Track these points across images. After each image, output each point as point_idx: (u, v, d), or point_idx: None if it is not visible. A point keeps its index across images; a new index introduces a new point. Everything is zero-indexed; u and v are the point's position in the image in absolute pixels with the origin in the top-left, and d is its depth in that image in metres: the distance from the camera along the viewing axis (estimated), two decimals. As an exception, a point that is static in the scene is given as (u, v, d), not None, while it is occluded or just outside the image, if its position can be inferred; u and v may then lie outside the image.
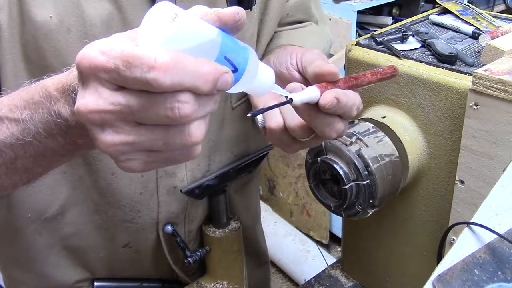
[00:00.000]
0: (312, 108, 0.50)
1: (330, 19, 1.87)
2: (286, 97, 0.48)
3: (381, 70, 0.58)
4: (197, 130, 0.39)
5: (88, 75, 0.38)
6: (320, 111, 0.50)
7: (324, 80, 0.53)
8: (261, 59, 0.79)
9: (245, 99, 0.79)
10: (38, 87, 0.45)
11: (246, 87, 0.44)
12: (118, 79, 0.37)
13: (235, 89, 0.43)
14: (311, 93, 0.49)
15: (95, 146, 0.41)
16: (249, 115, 0.46)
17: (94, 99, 0.37)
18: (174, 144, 0.39)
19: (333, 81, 0.53)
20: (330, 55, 1.87)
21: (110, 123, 0.38)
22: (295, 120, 0.55)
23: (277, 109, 0.58)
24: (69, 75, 0.44)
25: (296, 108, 0.52)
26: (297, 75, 0.61)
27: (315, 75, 0.53)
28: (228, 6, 0.68)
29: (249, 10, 0.71)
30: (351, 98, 0.51)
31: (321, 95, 0.49)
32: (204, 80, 0.37)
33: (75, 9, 0.58)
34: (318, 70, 0.53)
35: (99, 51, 0.37)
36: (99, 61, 0.37)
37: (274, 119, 0.58)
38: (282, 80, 0.62)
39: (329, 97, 0.49)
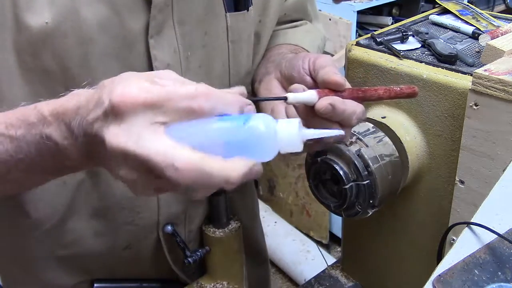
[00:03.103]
0: (310, 111, 0.53)
1: (330, 19, 1.87)
2: (284, 96, 0.51)
3: (397, 88, 0.58)
4: (198, 194, 0.44)
5: (128, 112, 0.41)
6: (317, 115, 0.52)
7: (329, 88, 0.55)
8: (262, 58, 0.80)
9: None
10: (34, 109, 0.48)
11: (273, 151, 0.45)
12: (165, 112, 0.41)
13: (264, 158, 0.45)
14: (309, 95, 0.52)
15: (81, 169, 0.50)
16: None
17: (126, 138, 0.41)
18: (178, 192, 0.44)
19: (337, 90, 0.54)
20: (327, 54, 1.87)
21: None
22: None
23: (283, 111, 0.60)
24: (65, 104, 0.46)
25: (296, 109, 0.54)
26: (308, 79, 0.62)
27: (323, 82, 0.55)
28: (225, 7, 0.69)
29: (246, 11, 0.71)
30: (350, 107, 0.53)
31: (318, 99, 0.52)
32: (232, 106, 0.43)
33: (71, 13, 0.58)
34: (327, 77, 0.55)
35: (141, 90, 0.41)
36: (143, 98, 0.41)
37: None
38: (293, 83, 0.63)
39: (324, 102, 0.51)
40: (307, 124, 0.54)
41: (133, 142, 0.41)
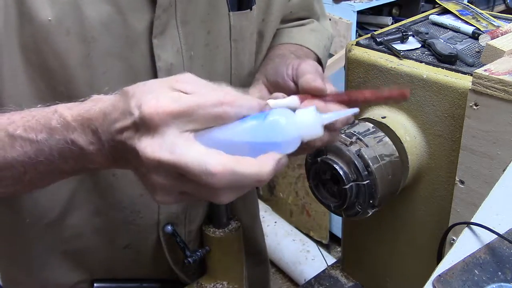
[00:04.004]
0: None
1: (330, 19, 1.86)
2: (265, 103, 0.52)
3: (386, 91, 0.58)
4: (226, 198, 0.44)
5: (161, 124, 0.42)
6: None
7: (310, 93, 0.56)
8: (265, 57, 0.80)
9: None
10: (55, 114, 0.48)
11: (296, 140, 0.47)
12: (194, 120, 0.43)
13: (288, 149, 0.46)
14: (290, 101, 0.53)
15: (102, 169, 0.51)
16: None
17: (160, 148, 0.42)
18: (204, 197, 0.45)
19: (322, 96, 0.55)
20: (330, 55, 1.87)
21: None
22: None
23: None
24: (90, 110, 0.47)
25: None
26: (292, 85, 0.63)
27: (302, 89, 0.57)
28: (228, 7, 0.69)
29: (249, 10, 0.71)
30: (332, 111, 0.52)
31: (300, 104, 0.52)
32: (253, 110, 0.45)
33: (74, 11, 0.58)
34: (306, 85, 0.56)
35: (171, 101, 0.43)
36: (174, 108, 0.42)
37: None
38: (277, 88, 0.64)
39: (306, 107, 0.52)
40: None
41: (168, 152, 0.42)
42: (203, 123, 0.43)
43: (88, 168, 0.50)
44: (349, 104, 0.55)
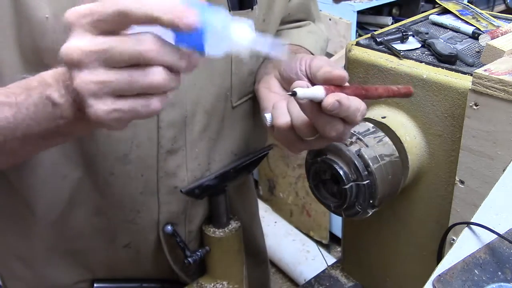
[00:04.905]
0: (316, 107, 0.53)
1: (330, 19, 1.87)
2: (293, 91, 0.51)
3: (395, 88, 0.60)
4: (158, 74, 0.43)
5: (74, 23, 0.44)
6: (322, 111, 0.53)
7: (332, 83, 0.55)
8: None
9: (246, 99, 0.79)
10: (36, 76, 0.50)
11: (221, 48, 0.45)
12: (99, 20, 0.43)
13: (213, 51, 0.45)
14: (316, 91, 0.52)
15: (73, 132, 0.52)
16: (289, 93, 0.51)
17: (76, 42, 0.43)
18: (137, 84, 0.44)
19: (342, 86, 0.55)
20: (330, 55, 1.87)
21: (87, 63, 0.43)
22: (301, 118, 0.57)
23: (285, 107, 0.61)
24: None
25: (301, 105, 0.54)
26: (306, 80, 0.62)
27: (325, 80, 0.56)
28: (228, 5, 0.69)
29: (250, 9, 0.71)
30: (355, 104, 0.53)
31: (325, 96, 0.52)
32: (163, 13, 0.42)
33: (71, 8, 0.58)
34: (328, 75, 0.55)
35: (84, 6, 0.44)
36: (82, 10, 0.44)
37: (282, 117, 0.60)
38: (291, 84, 0.64)
39: (331, 99, 0.51)
40: (313, 121, 0.55)
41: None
42: (108, 23, 0.44)
43: (61, 130, 0.51)
44: (365, 98, 0.56)
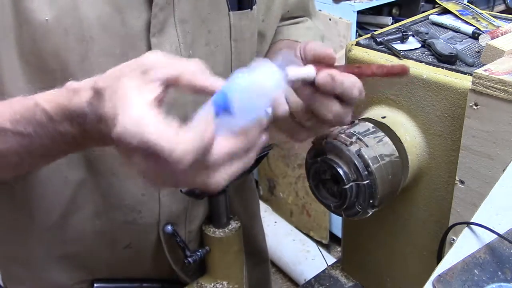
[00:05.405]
0: (309, 88, 0.54)
1: (330, 19, 1.87)
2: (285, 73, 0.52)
3: (389, 65, 0.59)
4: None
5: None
6: (317, 91, 0.53)
7: (322, 62, 0.55)
8: (266, 55, 0.81)
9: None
10: (37, 108, 0.49)
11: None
12: None
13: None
14: (307, 70, 0.53)
15: (91, 146, 0.53)
16: None
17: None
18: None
19: (334, 66, 0.55)
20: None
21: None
22: (297, 104, 0.58)
23: (283, 97, 0.61)
24: (71, 101, 0.48)
25: (296, 91, 0.55)
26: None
27: (314, 57, 0.56)
28: (228, 6, 0.69)
29: (249, 10, 0.71)
30: (349, 79, 0.53)
31: (316, 73, 0.53)
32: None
33: (72, 10, 0.58)
34: (317, 51, 0.56)
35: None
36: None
37: (281, 107, 0.60)
38: None
39: (323, 74, 0.52)
40: (309, 102, 0.55)
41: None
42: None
43: (80, 144, 0.52)
44: (359, 75, 0.56)
